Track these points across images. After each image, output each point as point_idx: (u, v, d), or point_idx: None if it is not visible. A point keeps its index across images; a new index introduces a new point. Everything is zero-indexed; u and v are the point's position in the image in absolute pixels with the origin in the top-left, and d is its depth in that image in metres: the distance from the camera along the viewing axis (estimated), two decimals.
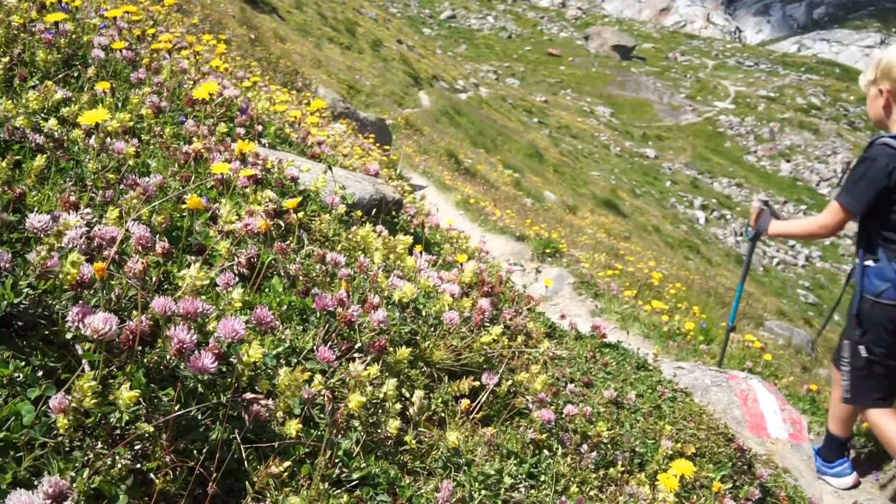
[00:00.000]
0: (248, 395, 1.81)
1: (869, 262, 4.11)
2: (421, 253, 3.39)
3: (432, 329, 2.79)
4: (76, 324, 1.55)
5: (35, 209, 2.12)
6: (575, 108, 63.09)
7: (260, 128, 4.22)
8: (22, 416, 1.49)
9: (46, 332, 1.70)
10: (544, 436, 2.59)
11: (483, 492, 2.15)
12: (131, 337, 1.62)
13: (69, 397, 1.46)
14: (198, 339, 1.66)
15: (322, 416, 1.97)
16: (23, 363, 1.57)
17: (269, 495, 1.71)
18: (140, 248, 1.99)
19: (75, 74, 3.50)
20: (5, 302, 1.61)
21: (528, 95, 60.54)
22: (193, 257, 2.32)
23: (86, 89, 3.33)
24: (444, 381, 2.65)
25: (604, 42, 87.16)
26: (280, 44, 20.11)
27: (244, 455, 1.74)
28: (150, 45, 4.47)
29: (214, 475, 1.63)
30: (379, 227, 3.42)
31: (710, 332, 8.77)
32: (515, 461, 2.40)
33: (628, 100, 71.02)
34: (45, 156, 2.37)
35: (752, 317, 15.80)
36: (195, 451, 1.68)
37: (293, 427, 1.83)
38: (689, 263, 24.06)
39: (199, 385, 1.73)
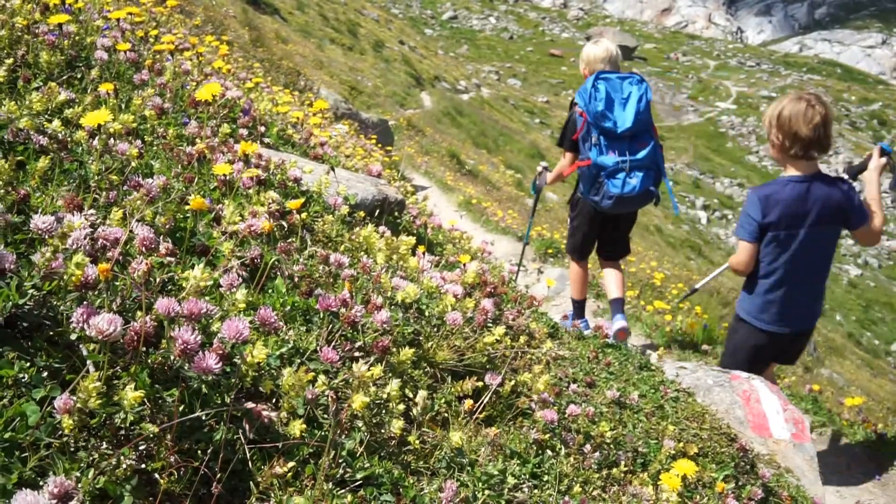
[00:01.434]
0: (250, 405, 1.81)
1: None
2: (424, 253, 3.39)
3: (435, 329, 2.79)
4: (81, 325, 1.55)
5: (39, 210, 2.13)
6: None
7: (262, 129, 4.23)
8: (27, 417, 1.49)
9: (51, 333, 1.71)
10: (547, 436, 2.59)
11: (486, 492, 2.15)
12: (136, 338, 1.62)
13: (74, 398, 1.47)
14: (202, 340, 1.66)
15: (326, 416, 1.97)
16: (28, 364, 1.58)
17: (273, 495, 1.71)
18: (144, 249, 1.99)
19: (79, 76, 3.51)
20: (10, 303, 1.62)
21: (529, 96, 60.53)
22: (197, 258, 2.32)
23: (89, 91, 3.34)
24: (448, 381, 2.66)
25: None
26: (282, 45, 20.13)
27: (248, 455, 1.74)
28: (153, 46, 4.48)
29: (219, 475, 1.63)
30: (382, 228, 3.42)
31: (712, 332, 8.77)
32: (519, 461, 2.40)
33: None
34: (48, 157, 2.38)
35: None
36: (199, 452, 1.69)
37: (297, 427, 1.83)
38: (691, 264, 24.05)
39: (204, 386, 1.74)
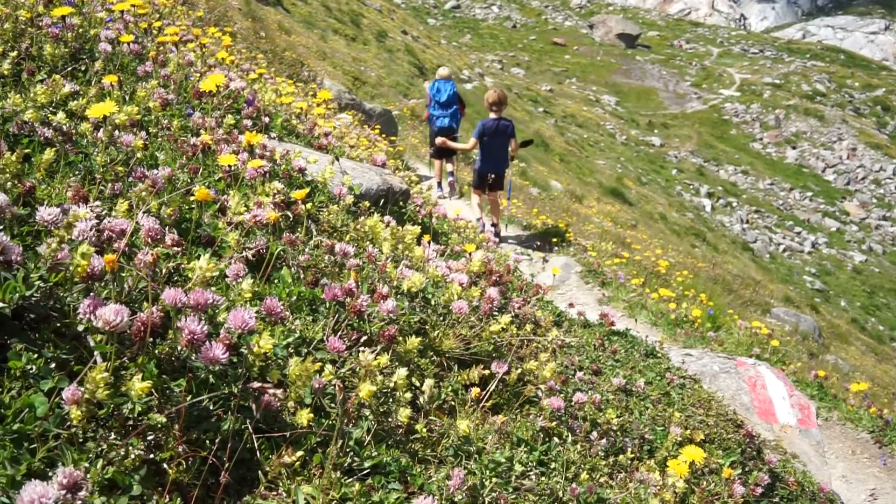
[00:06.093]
0: (255, 385, 1.81)
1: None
2: (429, 243, 3.40)
3: (441, 318, 2.79)
4: (88, 316, 1.56)
5: (45, 202, 2.13)
6: (580, 97, 62.88)
7: (266, 119, 4.22)
8: (35, 408, 1.50)
9: (58, 325, 1.71)
10: (554, 423, 2.60)
11: (494, 479, 2.16)
12: (142, 328, 1.62)
13: (82, 389, 1.47)
14: (208, 330, 1.66)
15: (333, 405, 1.98)
16: (35, 355, 1.58)
17: (281, 484, 1.72)
18: (150, 239, 1.99)
19: (83, 68, 3.50)
20: (17, 294, 1.62)
21: (533, 85, 60.37)
22: (203, 249, 2.32)
23: (93, 83, 3.34)
24: (454, 369, 2.66)
25: (608, 30, 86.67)
26: (285, 36, 20.09)
27: (256, 445, 1.75)
28: (157, 38, 4.48)
29: (227, 465, 1.64)
30: (387, 218, 3.42)
31: (717, 319, 8.77)
32: (526, 449, 2.40)
33: (634, 88, 70.74)
34: (53, 149, 2.38)
35: (759, 304, 15.78)
36: (207, 442, 1.69)
37: (304, 417, 1.84)
38: (696, 251, 24.02)
39: (211, 376, 1.74)
